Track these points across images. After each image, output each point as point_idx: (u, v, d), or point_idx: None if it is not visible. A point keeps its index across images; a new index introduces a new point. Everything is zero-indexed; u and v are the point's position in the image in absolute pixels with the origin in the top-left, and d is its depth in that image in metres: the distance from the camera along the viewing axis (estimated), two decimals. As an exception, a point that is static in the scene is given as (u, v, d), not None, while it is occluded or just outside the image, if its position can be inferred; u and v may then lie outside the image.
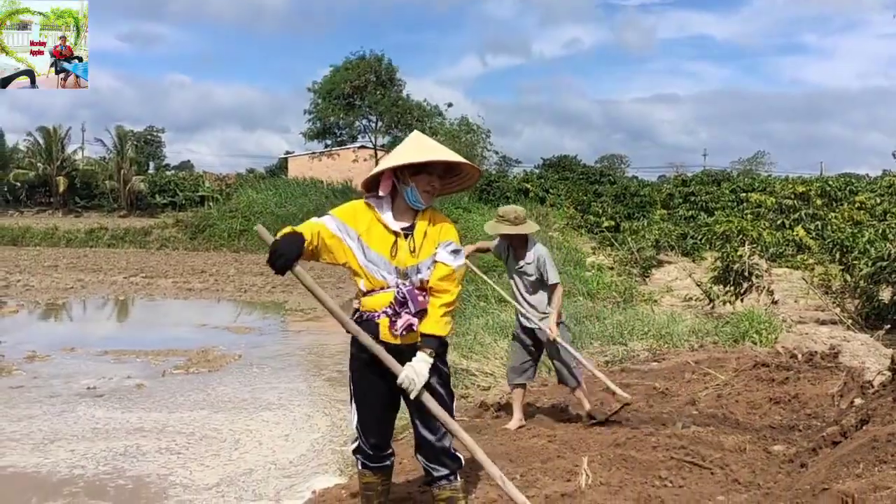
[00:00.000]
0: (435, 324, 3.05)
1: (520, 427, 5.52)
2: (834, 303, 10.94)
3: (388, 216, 3.11)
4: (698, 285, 12.32)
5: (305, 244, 3.03)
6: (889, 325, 9.19)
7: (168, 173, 51.57)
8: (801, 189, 22.99)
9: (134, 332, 13.34)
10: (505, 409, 6.07)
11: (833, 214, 20.29)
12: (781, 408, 5.22)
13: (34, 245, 32.11)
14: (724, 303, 11.35)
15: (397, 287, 3.05)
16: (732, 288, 11.31)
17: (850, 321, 9.72)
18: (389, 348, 3.04)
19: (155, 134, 65.38)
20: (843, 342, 7.27)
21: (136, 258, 27.20)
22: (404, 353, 3.04)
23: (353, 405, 3.26)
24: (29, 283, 19.21)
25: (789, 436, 4.53)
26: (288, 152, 51.29)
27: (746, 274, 11.16)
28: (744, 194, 27.08)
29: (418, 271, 3.07)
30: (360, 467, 3.36)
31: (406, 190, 3.09)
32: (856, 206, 21.09)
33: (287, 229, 3.09)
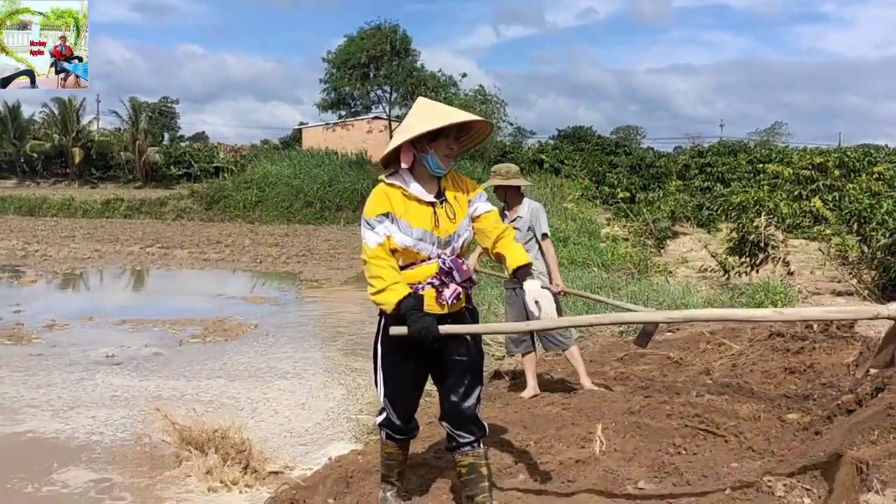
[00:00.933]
0: (523, 254, 3.15)
1: (534, 395, 5.55)
2: (850, 274, 10.86)
3: (416, 188, 3.05)
4: (714, 256, 12.25)
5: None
6: (906, 296, 9.13)
7: (183, 144, 51.72)
8: (818, 160, 22.76)
9: (151, 301, 13.46)
10: (519, 377, 6.10)
11: (851, 185, 20.09)
12: (796, 377, 5.20)
13: (51, 216, 32.43)
14: (740, 274, 11.31)
15: (440, 258, 3.04)
16: (748, 259, 11.25)
17: (866, 292, 9.67)
18: (438, 319, 3.01)
19: (169, 105, 65.48)
20: (860, 313, 7.22)
21: (152, 229, 27.38)
22: (447, 321, 3.05)
23: (381, 382, 3.24)
24: (47, 253, 19.41)
25: (804, 405, 4.52)
26: (302, 123, 51.27)
27: (762, 245, 11.10)
28: (761, 165, 26.82)
29: (459, 236, 3.08)
30: (384, 438, 3.36)
31: (426, 158, 3.04)
32: (874, 176, 20.86)
33: (396, 296, 2.95)
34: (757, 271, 11.12)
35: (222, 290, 14.10)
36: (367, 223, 3.02)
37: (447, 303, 3.04)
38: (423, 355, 3.10)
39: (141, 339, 9.45)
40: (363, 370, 8.06)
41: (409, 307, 2.93)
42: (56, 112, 46.55)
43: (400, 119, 37.88)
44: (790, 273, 10.86)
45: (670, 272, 12.38)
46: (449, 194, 3.11)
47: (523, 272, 3.09)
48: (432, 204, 3.04)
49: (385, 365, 3.20)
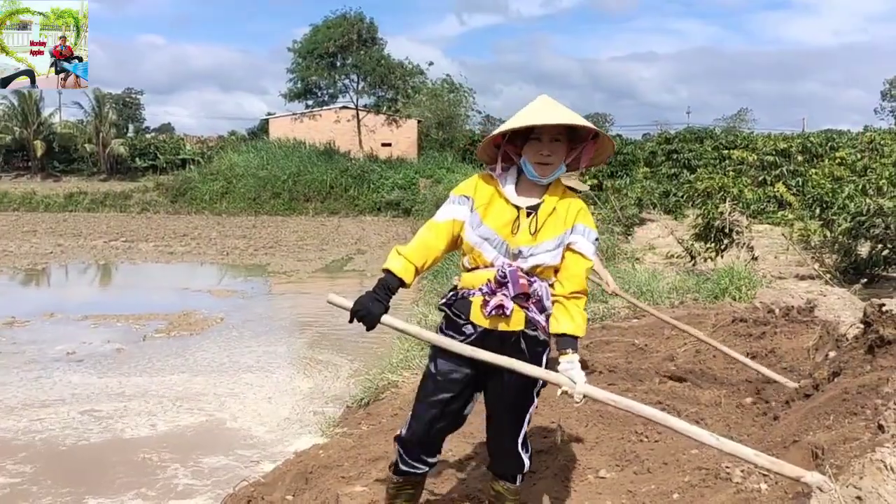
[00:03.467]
0: (580, 324, 2.74)
1: None
2: (813, 258, 11.00)
3: (509, 189, 2.73)
4: (680, 242, 12.34)
5: (410, 280, 2.70)
6: (866, 279, 9.27)
7: (148, 136, 50.88)
8: (782, 145, 22.99)
9: (114, 296, 13.26)
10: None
11: (813, 170, 20.33)
12: (758, 362, 5.23)
13: (12, 210, 31.77)
14: (706, 259, 11.40)
15: (501, 266, 2.68)
16: (713, 245, 11.34)
17: (828, 276, 9.79)
18: (479, 333, 2.72)
19: (133, 96, 64.49)
20: (820, 296, 7.30)
21: (117, 222, 26.98)
22: (494, 339, 2.71)
23: (417, 397, 2.88)
24: (7, 248, 19.02)
25: (764, 390, 4.55)
26: (269, 114, 50.72)
27: (727, 230, 11.19)
28: (726, 151, 27.04)
29: (533, 255, 2.69)
30: (391, 470, 2.99)
31: (522, 161, 2.71)
32: (836, 161, 21.12)
33: (388, 264, 2.69)
34: (722, 256, 11.21)
35: (188, 284, 13.90)
36: (449, 199, 2.80)
37: (487, 314, 2.67)
38: (466, 366, 2.75)
39: (103, 335, 9.29)
40: (329, 363, 8.02)
41: (381, 282, 2.68)
42: (16, 104, 45.53)
43: (368, 108, 37.73)
44: (754, 258, 10.97)
45: (638, 259, 12.45)
46: (546, 207, 2.72)
47: (565, 342, 2.70)
48: (518, 209, 2.70)
49: (422, 381, 2.88)
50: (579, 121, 2.66)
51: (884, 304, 3.46)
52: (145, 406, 6.52)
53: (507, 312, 2.66)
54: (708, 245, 11.45)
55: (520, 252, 2.69)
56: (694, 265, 11.55)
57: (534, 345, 2.76)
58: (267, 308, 11.73)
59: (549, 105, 2.72)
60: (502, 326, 2.70)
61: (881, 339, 3.26)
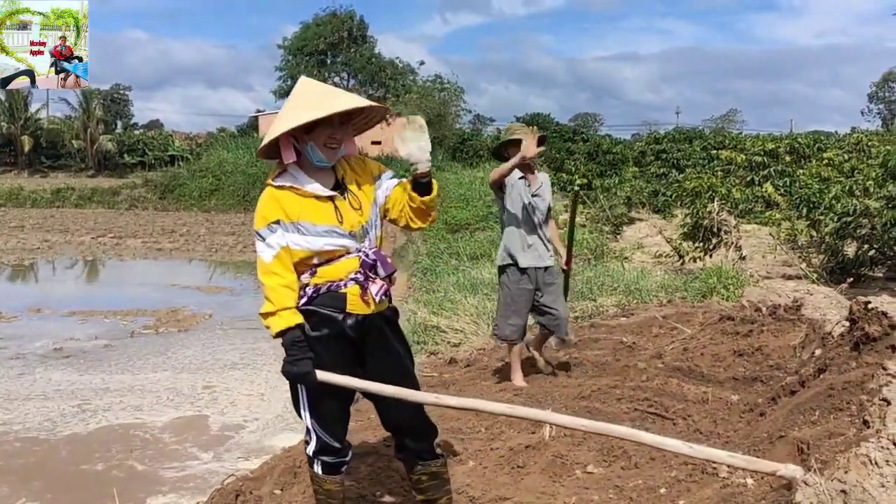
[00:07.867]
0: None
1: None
2: (800, 258, 11.06)
3: (310, 183, 2.67)
4: (668, 242, 12.38)
5: (301, 319, 2.67)
6: (852, 279, 9.33)
7: (136, 132, 50.65)
8: (770, 146, 23.08)
9: (102, 292, 13.21)
10: (473, 364, 6.08)
11: (801, 171, 20.43)
12: (745, 360, 5.27)
13: (-1, 205, 31.58)
14: (694, 259, 11.44)
15: (359, 251, 2.69)
16: (702, 244, 11.39)
17: (814, 275, 9.85)
18: (362, 320, 2.70)
19: (121, 92, 64.16)
20: (807, 295, 7.35)
21: (105, 218, 26.85)
22: (378, 322, 2.75)
23: (304, 398, 2.76)
24: (-6, 244, 18.92)
25: (751, 387, 4.59)
26: (259, 111, 50.61)
27: (715, 230, 11.23)
28: (714, 151, 27.13)
29: (372, 226, 2.74)
30: (320, 472, 2.83)
31: (306, 149, 2.65)
32: (824, 162, 21.23)
33: (280, 325, 2.65)
34: (710, 256, 11.26)
35: (176, 280, 13.86)
36: (259, 235, 2.65)
37: (374, 300, 2.69)
38: (347, 356, 2.74)
39: (90, 331, 9.26)
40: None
41: (290, 341, 2.62)
42: (2, 99, 45.23)
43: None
44: (742, 257, 11.01)
45: (626, 258, 12.48)
46: (349, 182, 2.74)
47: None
48: (332, 198, 2.67)
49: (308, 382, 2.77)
50: (367, 102, 2.72)
51: (869, 302, 3.49)
52: (132, 401, 6.50)
53: (389, 293, 2.77)
54: (696, 244, 11.50)
55: (363, 231, 2.70)
56: (682, 264, 11.59)
57: (393, 313, 2.87)
58: (255, 305, 11.69)
59: (327, 89, 2.76)
60: (384, 307, 2.78)
61: (866, 336, 3.29)
